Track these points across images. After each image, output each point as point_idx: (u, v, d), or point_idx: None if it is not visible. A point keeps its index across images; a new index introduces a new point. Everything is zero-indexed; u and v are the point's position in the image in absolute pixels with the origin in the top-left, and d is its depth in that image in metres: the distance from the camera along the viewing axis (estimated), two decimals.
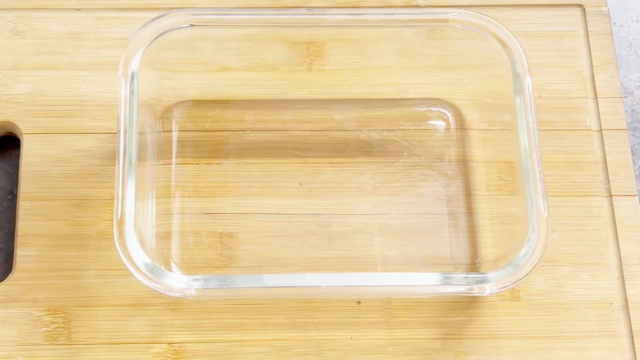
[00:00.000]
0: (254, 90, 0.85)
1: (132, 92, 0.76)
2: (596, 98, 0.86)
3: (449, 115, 0.86)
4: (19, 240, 0.80)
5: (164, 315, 0.78)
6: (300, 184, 0.83)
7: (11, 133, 0.86)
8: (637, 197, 0.83)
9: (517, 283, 0.73)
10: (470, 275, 0.74)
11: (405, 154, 0.84)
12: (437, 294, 0.79)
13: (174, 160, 0.84)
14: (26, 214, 0.81)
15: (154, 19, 0.79)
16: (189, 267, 0.80)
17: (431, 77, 0.85)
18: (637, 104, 0.90)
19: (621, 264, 0.81)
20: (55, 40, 0.87)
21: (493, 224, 0.81)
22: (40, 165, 0.83)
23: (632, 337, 0.79)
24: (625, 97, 0.90)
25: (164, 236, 0.81)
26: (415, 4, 0.90)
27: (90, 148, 0.83)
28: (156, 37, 0.78)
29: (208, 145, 0.84)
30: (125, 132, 0.75)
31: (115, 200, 0.73)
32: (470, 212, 0.82)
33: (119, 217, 0.73)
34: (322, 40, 0.86)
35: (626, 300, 0.80)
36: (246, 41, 0.83)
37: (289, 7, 0.89)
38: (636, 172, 0.85)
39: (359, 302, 0.79)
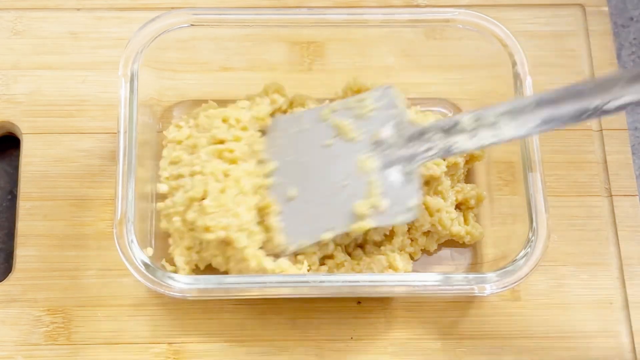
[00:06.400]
0: (253, 90, 0.85)
1: (132, 92, 0.76)
2: None
3: (450, 115, 0.85)
4: (19, 240, 0.80)
5: (164, 315, 0.78)
6: None
7: (11, 133, 0.86)
8: (637, 197, 0.83)
9: (517, 283, 0.73)
10: (470, 275, 0.74)
11: None
12: (437, 294, 0.79)
13: None
14: (26, 214, 0.81)
15: (154, 19, 0.79)
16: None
17: (431, 77, 0.85)
18: None
19: (621, 264, 0.81)
20: (55, 40, 0.87)
21: (493, 224, 0.81)
22: (40, 165, 0.83)
23: (632, 337, 0.79)
24: None
25: (164, 236, 0.80)
26: (415, 4, 0.90)
27: (90, 148, 0.83)
28: (156, 37, 0.78)
29: None
30: (125, 132, 0.75)
31: (115, 200, 0.73)
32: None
33: (119, 217, 0.73)
34: (322, 40, 0.86)
35: (626, 300, 0.80)
36: (246, 41, 0.83)
37: (289, 7, 0.89)
38: (636, 172, 0.85)
39: (359, 302, 0.79)
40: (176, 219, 0.77)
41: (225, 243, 0.75)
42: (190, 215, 0.75)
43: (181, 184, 0.77)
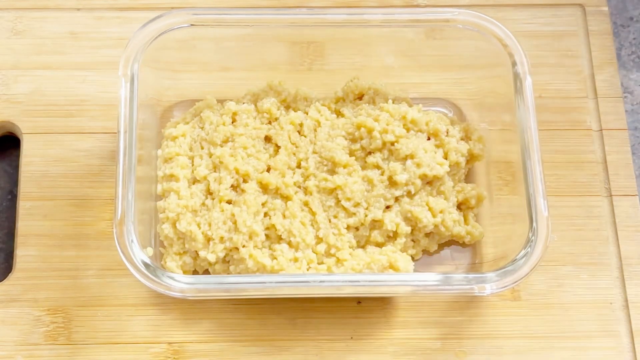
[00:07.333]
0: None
1: (132, 92, 0.76)
2: (596, 98, 0.86)
3: (449, 115, 0.85)
4: (19, 240, 0.80)
5: (164, 315, 0.78)
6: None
7: (11, 133, 0.86)
8: (637, 197, 0.83)
9: (517, 283, 0.73)
10: (470, 275, 0.74)
11: None
12: (437, 294, 0.79)
13: None
14: (26, 214, 0.81)
15: (154, 19, 0.79)
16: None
17: (431, 76, 0.85)
18: (637, 104, 0.90)
19: (621, 264, 0.81)
20: (55, 40, 0.87)
21: (493, 224, 0.81)
22: (40, 165, 0.83)
23: (632, 337, 0.79)
24: (625, 97, 0.90)
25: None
26: (415, 4, 0.90)
27: (90, 148, 0.83)
28: (156, 37, 0.78)
29: None
30: (125, 132, 0.75)
31: (115, 200, 0.73)
32: None
33: (119, 217, 0.73)
34: (322, 40, 0.86)
35: (626, 300, 0.80)
36: (246, 41, 0.83)
37: (289, 7, 0.89)
38: (636, 172, 0.85)
39: (359, 302, 0.79)
40: (165, 226, 0.77)
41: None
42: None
43: (172, 187, 0.78)
